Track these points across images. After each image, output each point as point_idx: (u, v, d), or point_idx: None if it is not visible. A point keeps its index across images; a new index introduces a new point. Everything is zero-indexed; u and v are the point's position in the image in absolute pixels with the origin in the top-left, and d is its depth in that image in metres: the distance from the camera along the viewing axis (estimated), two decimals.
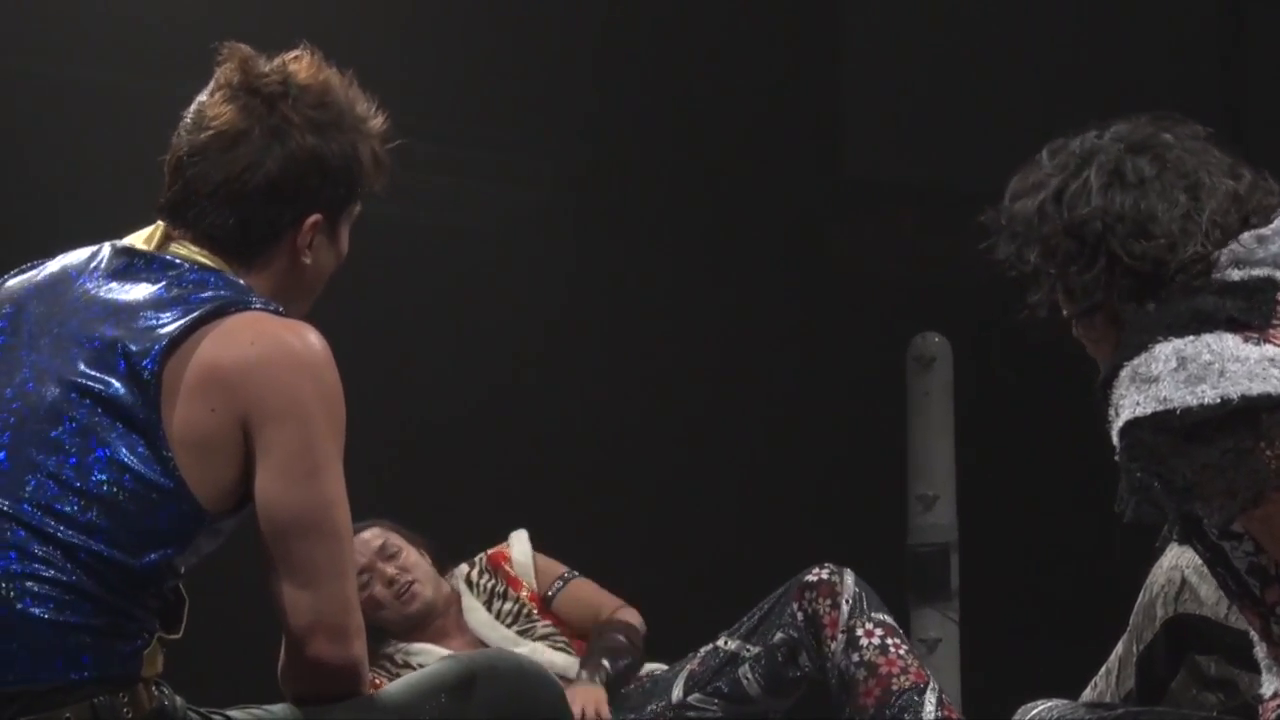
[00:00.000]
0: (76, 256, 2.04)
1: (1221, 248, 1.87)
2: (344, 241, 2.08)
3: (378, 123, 2.08)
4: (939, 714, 3.26)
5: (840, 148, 6.00)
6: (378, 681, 3.37)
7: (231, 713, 2.00)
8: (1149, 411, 1.78)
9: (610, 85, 5.50)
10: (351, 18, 4.96)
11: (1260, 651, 1.91)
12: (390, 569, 3.54)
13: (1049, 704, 2.03)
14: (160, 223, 2.03)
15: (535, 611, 3.60)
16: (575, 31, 5.43)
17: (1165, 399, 1.77)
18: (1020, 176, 2.02)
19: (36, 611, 1.86)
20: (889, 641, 3.36)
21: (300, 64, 2.06)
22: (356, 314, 5.00)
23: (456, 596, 3.61)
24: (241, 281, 1.98)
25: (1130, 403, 1.79)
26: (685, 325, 5.58)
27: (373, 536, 3.56)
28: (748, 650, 3.42)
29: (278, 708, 2.00)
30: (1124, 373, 1.81)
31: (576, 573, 3.68)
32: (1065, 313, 1.95)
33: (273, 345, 1.91)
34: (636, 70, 5.53)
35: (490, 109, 5.41)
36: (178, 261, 1.97)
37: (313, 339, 1.94)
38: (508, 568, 3.65)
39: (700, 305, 5.61)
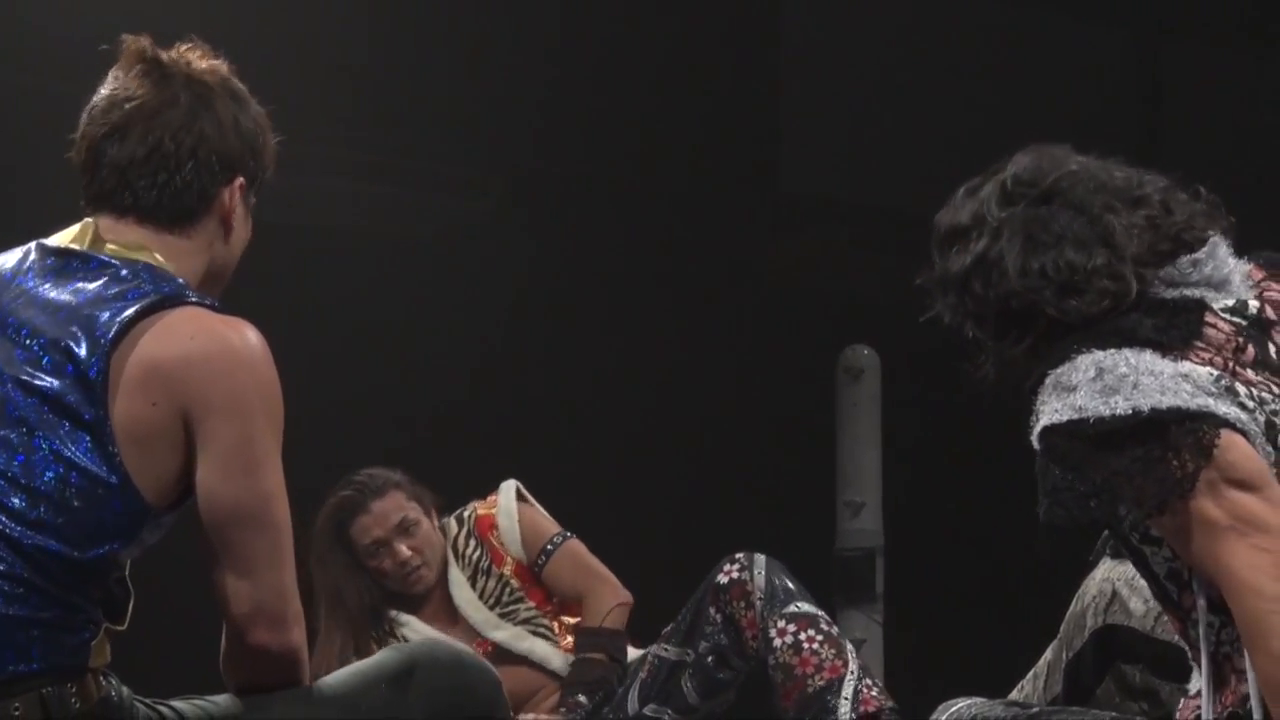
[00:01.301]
0: (7, 259, 2.03)
1: (1147, 282, 1.89)
2: (247, 228, 2.08)
3: (262, 111, 2.10)
4: (854, 715, 3.19)
5: (778, 164, 6.04)
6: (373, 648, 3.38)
7: (175, 703, 2.00)
8: (1064, 419, 1.81)
9: (557, 99, 5.52)
10: (298, 23, 4.95)
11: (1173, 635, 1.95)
12: (405, 549, 3.49)
13: (968, 701, 2.06)
14: (89, 220, 2.01)
15: (519, 587, 3.54)
16: (524, 45, 5.45)
17: (1080, 408, 1.80)
18: (943, 224, 2.00)
19: None
20: (801, 638, 3.27)
21: (196, 53, 2.06)
22: (307, 324, 5.01)
23: (444, 564, 3.55)
24: (178, 278, 1.98)
25: (1049, 409, 1.82)
26: (626, 334, 5.59)
27: (393, 509, 3.51)
28: (687, 656, 3.36)
29: (220, 698, 2.00)
30: (1048, 380, 1.84)
31: (568, 534, 3.58)
32: (1002, 382, 1.95)
33: (212, 340, 1.91)
34: (583, 84, 5.54)
35: (437, 119, 5.41)
36: (113, 261, 1.97)
37: (251, 335, 1.94)
38: (493, 538, 3.57)
39: (641, 315, 5.64)
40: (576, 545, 3.58)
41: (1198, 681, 1.91)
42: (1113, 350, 1.83)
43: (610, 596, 3.53)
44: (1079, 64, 5.91)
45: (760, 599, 3.30)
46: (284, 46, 4.78)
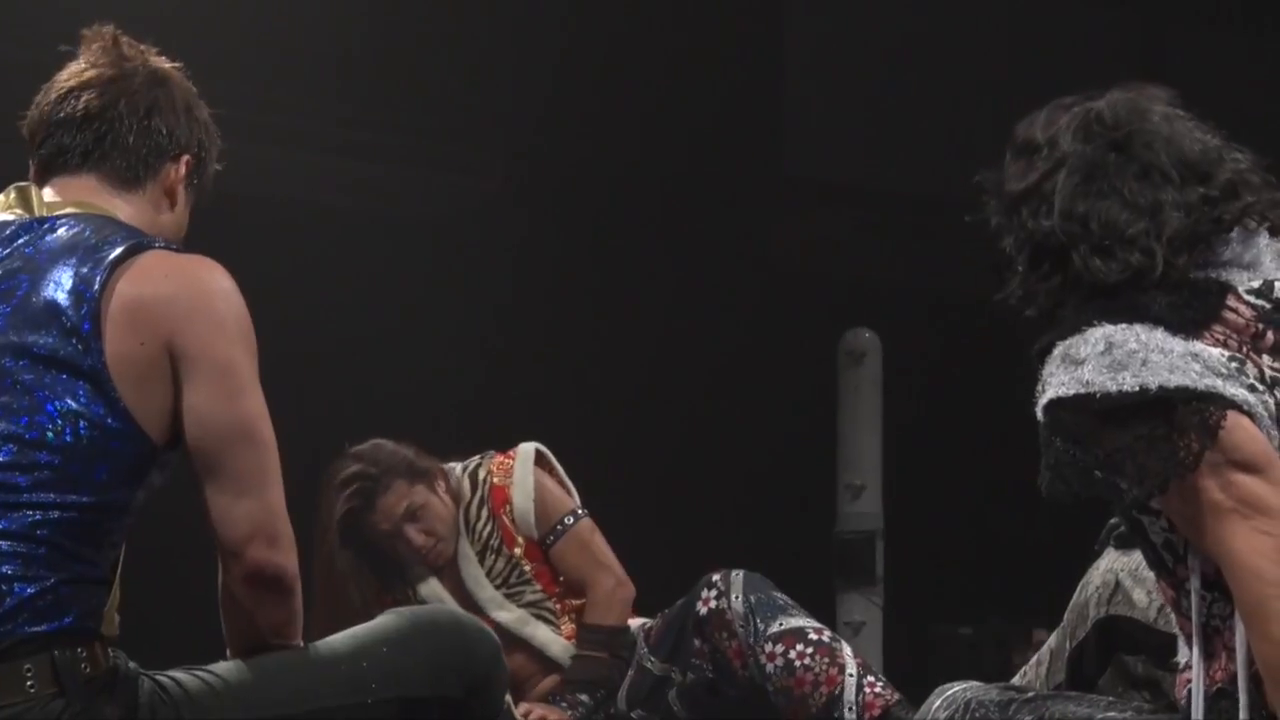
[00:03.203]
0: None
1: (1175, 268, 1.86)
2: (188, 213, 2.13)
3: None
4: None
5: (782, 148, 6.02)
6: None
7: (177, 674, 2.00)
8: (1071, 393, 1.79)
9: (562, 80, 5.49)
10: (299, 4, 4.93)
11: (1175, 627, 1.94)
12: (417, 536, 3.40)
13: (964, 685, 2.05)
14: (23, 184, 2.06)
15: (527, 569, 3.46)
16: (530, 26, 5.42)
17: (1088, 382, 1.79)
18: (1020, 134, 1.95)
19: (4, 569, 1.87)
20: (792, 655, 3.19)
21: (156, 52, 2.13)
22: (309, 305, 5.00)
23: (457, 533, 3.45)
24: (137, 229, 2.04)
25: (1056, 382, 1.80)
26: (626, 315, 5.58)
27: (397, 501, 3.40)
28: (673, 674, 3.33)
29: (221, 667, 2.01)
30: (1056, 350, 1.82)
31: (583, 512, 3.48)
32: (1026, 313, 1.94)
33: (186, 278, 1.97)
34: (588, 66, 5.52)
35: (442, 99, 5.40)
36: (79, 216, 2.01)
37: (219, 272, 2.00)
38: (505, 516, 3.47)
39: (642, 297, 5.62)
40: (586, 528, 3.49)
41: (1186, 654, 1.90)
42: (1124, 325, 1.81)
43: (613, 588, 3.45)
44: (1083, 46, 5.89)
45: (741, 625, 3.24)
46: (276, 27, 4.76)
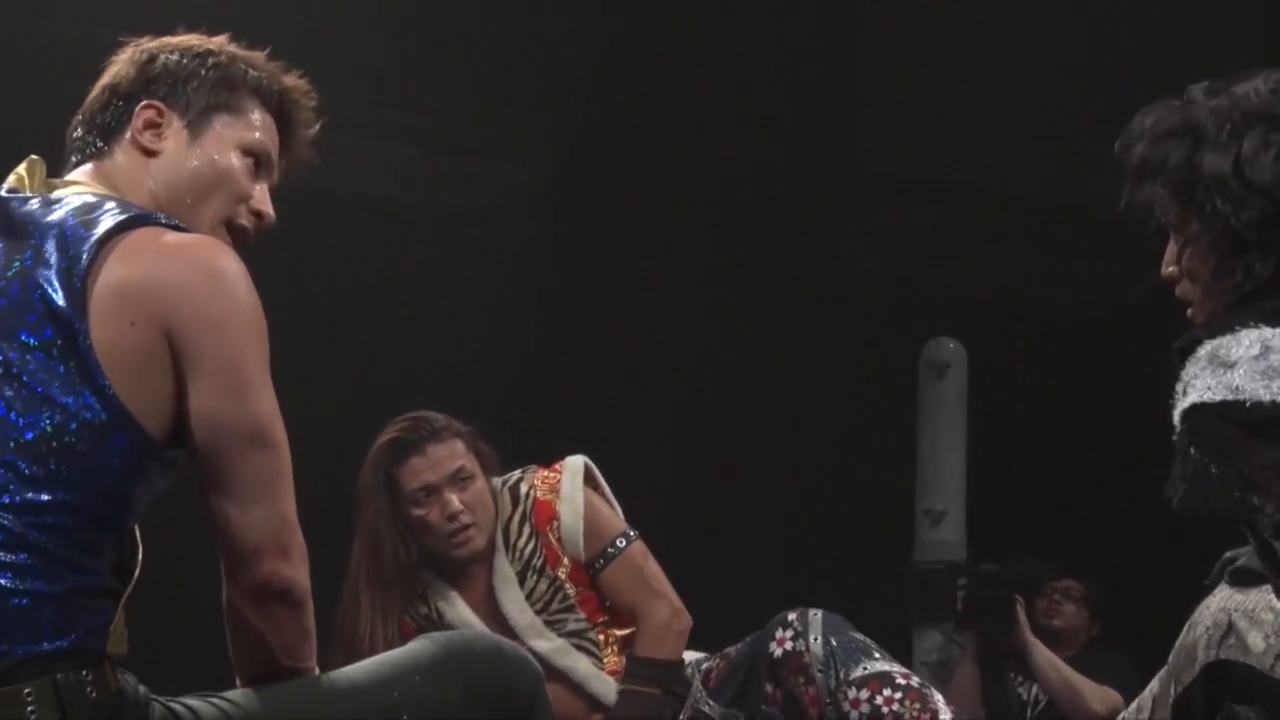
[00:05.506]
0: None
1: None
2: (216, 144, 2.13)
3: (286, 75, 2.20)
4: None
5: (859, 143, 6.01)
6: (405, 620, 3.33)
7: (191, 701, 1.99)
8: (1218, 399, 1.78)
9: (621, 73, 5.49)
10: None
11: None
12: (456, 500, 3.34)
13: None
14: (33, 159, 2.10)
15: (572, 594, 3.41)
16: (587, 15, 5.42)
17: (1238, 388, 1.77)
18: (1164, 112, 1.97)
19: (1, 582, 1.86)
20: (879, 701, 3.17)
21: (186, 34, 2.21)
22: (349, 293, 5.01)
23: (492, 547, 3.41)
24: (134, 203, 2.05)
25: (1201, 385, 1.79)
26: (683, 321, 5.58)
27: (451, 457, 3.37)
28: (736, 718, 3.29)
29: (236, 694, 2.00)
30: (1203, 350, 1.82)
31: (633, 535, 3.45)
32: (1183, 236, 1.89)
33: (185, 259, 1.95)
34: (650, 58, 5.52)
35: (492, 87, 5.40)
36: (67, 197, 2.04)
37: (223, 253, 1.99)
38: (551, 533, 3.43)
39: (702, 300, 5.62)
40: (639, 552, 3.45)
41: None
42: None
43: (668, 619, 3.41)
44: (1184, 33, 5.83)
45: (820, 670, 3.22)
46: (325, 19, 4.79)
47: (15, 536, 1.86)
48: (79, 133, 2.13)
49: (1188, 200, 1.94)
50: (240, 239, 2.10)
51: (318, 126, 2.22)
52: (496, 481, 3.46)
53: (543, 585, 3.42)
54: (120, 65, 2.15)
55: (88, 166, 2.11)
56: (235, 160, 2.11)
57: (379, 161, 5.27)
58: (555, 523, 3.42)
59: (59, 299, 1.90)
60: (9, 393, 1.90)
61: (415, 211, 5.30)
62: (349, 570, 3.37)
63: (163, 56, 2.15)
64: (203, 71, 2.14)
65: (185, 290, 1.92)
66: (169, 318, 1.92)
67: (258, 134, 2.14)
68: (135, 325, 1.91)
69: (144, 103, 2.12)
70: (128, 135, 2.11)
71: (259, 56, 2.19)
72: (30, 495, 1.87)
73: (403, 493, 3.37)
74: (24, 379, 1.89)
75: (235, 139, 2.12)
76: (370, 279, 5.10)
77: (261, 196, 2.13)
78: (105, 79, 2.15)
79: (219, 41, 2.18)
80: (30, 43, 4.57)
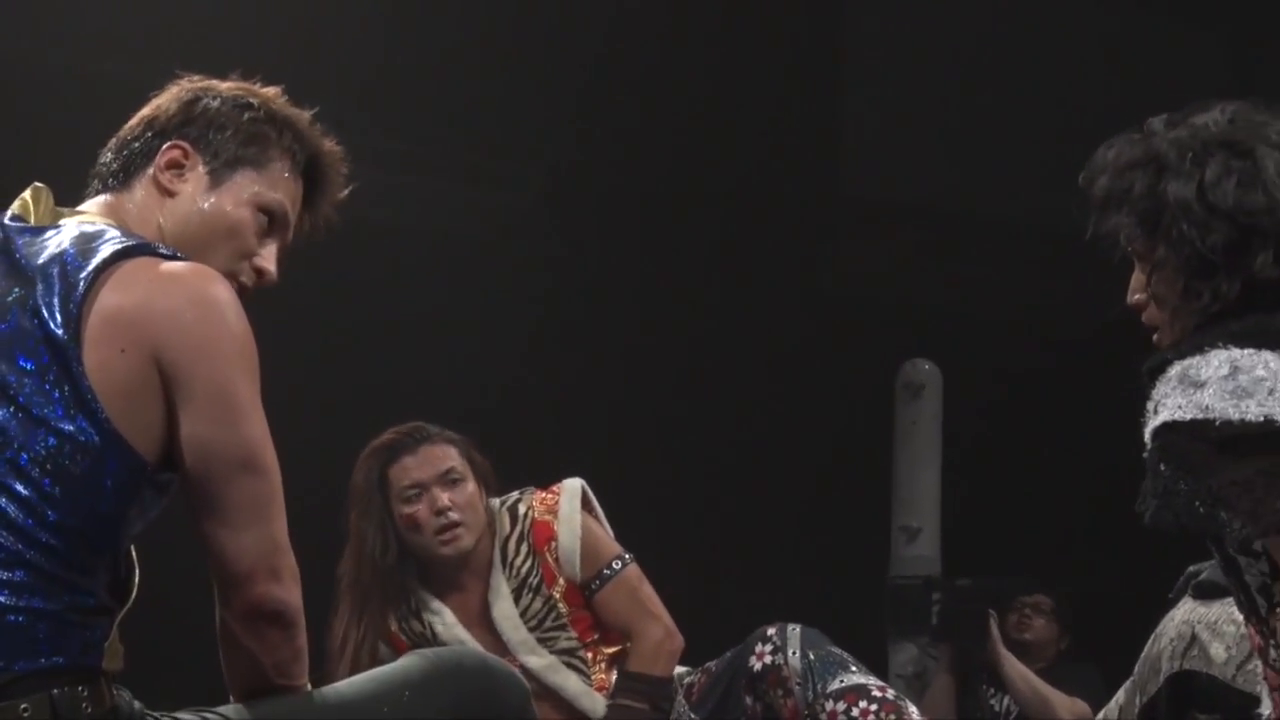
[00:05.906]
0: None
1: None
2: (233, 196, 2.12)
3: (317, 131, 2.18)
4: None
5: (838, 166, 5.99)
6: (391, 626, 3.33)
7: (184, 716, 2.00)
8: (1188, 418, 1.78)
9: (605, 94, 5.48)
10: (338, 16, 4.97)
11: (1259, 674, 1.93)
12: (445, 498, 3.37)
13: None
14: (29, 197, 2.09)
15: (564, 612, 3.43)
16: (574, 41, 5.42)
17: (1208, 407, 1.77)
18: (1126, 145, 1.98)
19: None
20: (854, 712, 3.20)
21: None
22: (345, 316, 5.02)
23: (488, 563, 3.43)
24: (138, 235, 2.04)
25: (1172, 404, 1.79)
26: (666, 343, 5.56)
27: (442, 458, 3.40)
28: None
29: (231, 709, 2.00)
30: (1173, 370, 1.81)
31: (628, 558, 3.46)
32: (1149, 263, 1.91)
33: (174, 287, 1.96)
34: (634, 83, 5.50)
35: (480, 113, 5.42)
36: (74, 225, 2.04)
37: (214, 280, 1.98)
38: (548, 553, 3.45)
39: (685, 322, 5.60)
40: (634, 575, 3.47)
41: (1269, 707, 1.89)
42: (1251, 350, 1.80)
43: (662, 639, 3.42)
44: (1160, 66, 5.89)
45: (799, 683, 3.25)
46: (319, 41, 4.80)
47: (12, 554, 1.87)
48: (107, 157, 2.13)
49: (1153, 227, 1.94)
50: (238, 294, 2.06)
51: (346, 192, 2.21)
52: (495, 502, 3.48)
53: (537, 603, 3.44)
54: (165, 99, 2.14)
55: (100, 199, 2.11)
56: (248, 215, 2.11)
57: (373, 187, 5.29)
58: (553, 543, 3.45)
59: (55, 325, 1.92)
60: (6, 414, 1.91)
61: (407, 235, 5.30)
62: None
63: (205, 100, 2.13)
64: (238, 122, 2.13)
65: (175, 318, 1.93)
66: (159, 345, 1.93)
67: (278, 194, 2.12)
68: (125, 352, 1.92)
69: (173, 142, 2.11)
70: (150, 171, 2.10)
71: (302, 115, 2.16)
72: (26, 515, 1.89)
73: (393, 491, 3.39)
74: (21, 401, 1.91)
75: (253, 195, 2.11)
76: (363, 302, 5.07)
77: (268, 255, 2.11)
78: (147, 110, 2.14)
79: (267, 94, 2.16)
80: (39, 73, 4.59)
